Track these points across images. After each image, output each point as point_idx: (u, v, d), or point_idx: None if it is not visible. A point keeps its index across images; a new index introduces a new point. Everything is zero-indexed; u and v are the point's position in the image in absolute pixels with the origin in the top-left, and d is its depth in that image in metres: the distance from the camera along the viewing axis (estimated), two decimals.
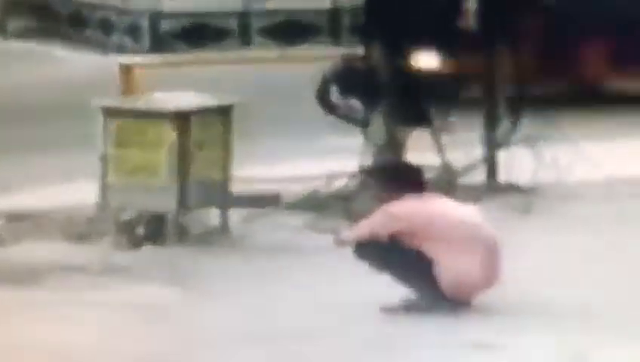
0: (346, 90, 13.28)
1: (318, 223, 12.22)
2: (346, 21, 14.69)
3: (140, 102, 12.38)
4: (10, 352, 8.60)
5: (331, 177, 13.08)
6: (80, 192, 12.38)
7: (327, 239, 11.03)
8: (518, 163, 13.55)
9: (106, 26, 25.69)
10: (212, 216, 12.10)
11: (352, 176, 12.97)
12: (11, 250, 11.39)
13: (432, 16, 13.62)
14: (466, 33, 14.31)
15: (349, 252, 9.83)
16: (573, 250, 11.34)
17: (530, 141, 13.37)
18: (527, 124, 13.65)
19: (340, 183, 13.05)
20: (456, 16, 14.28)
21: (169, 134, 11.64)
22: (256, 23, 24.74)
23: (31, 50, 25.09)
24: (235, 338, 9.07)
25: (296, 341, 8.94)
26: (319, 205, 12.79)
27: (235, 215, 12.16)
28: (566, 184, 13.36)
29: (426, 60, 14.47)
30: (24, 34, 26.78)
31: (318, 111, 13.36)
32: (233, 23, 24.76)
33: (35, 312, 9.61)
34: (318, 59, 14.44)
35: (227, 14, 25.00)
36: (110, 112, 11.81)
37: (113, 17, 25.62)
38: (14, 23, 27.33)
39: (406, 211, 9.73)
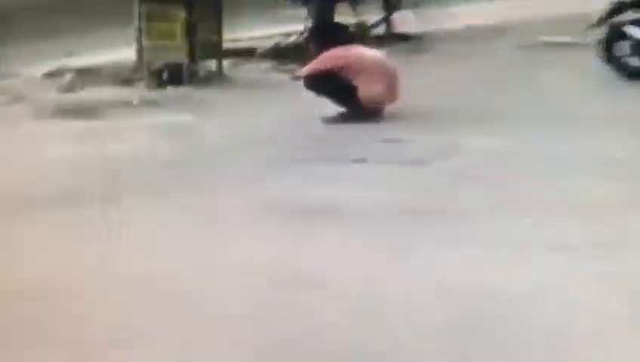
0: None
1: (280, 66, 10.82)
2: None
3: None
4: (85, 159, 7.27)
5: (287, 35, 11.76)
6: (122, 54, 11.06)
7: (286, 76, 10.15)
8: (405, 20, 12.29)
9: None
10: (212, 64, 10.74)
11: (300, 33, 11.54)
12: (79, 94, 9.94)
13: None
14: None
15: (301, 84, 8.44)
16: (448, 74, 9.77)
17: (414, 5, 11.95)
18: None
19: (293, 39, 11.64)
20: None
21: (180, 14, 10.21)
22: None
23: None
24: (225, 143, 7.76)
25: (263, 143, 7.63)
26: (280, 54, 11.39)
27: (226, 63, 10.91)
28: (436, 33, 11.97)
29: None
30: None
31: None
32: None
33: (97, 136, 8.26)
34: None
35: None
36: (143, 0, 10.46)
37: None
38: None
39: (338, 54, 8.28)
